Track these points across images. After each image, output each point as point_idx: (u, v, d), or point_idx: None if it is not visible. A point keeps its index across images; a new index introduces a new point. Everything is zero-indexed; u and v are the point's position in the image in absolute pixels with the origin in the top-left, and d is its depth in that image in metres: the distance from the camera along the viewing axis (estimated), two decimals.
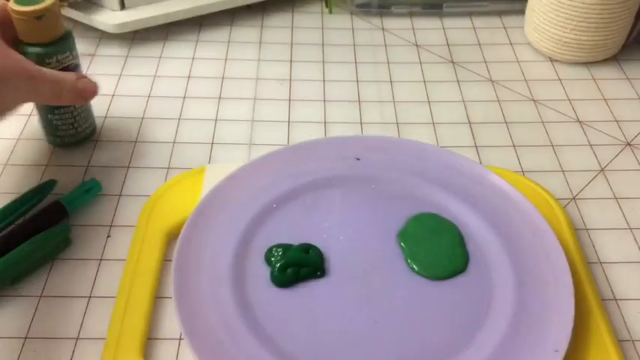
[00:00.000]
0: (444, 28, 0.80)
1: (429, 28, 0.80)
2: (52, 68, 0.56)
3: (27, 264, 0.50)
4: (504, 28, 0.80)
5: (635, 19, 0.73)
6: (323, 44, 0.77)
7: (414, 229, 0.53)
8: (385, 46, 0.77)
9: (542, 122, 0.66)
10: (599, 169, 0.62)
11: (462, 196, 0.55)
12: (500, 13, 0.82)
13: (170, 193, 0.56)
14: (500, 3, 0.82)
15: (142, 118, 0.65)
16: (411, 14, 0.82)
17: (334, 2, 0.82)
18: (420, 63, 0.74)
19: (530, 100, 0.69)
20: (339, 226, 0.54)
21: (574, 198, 0.59)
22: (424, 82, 0.71)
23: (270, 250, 0.51)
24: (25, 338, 0.47)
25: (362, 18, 0.81)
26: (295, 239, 0.52)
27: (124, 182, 0.58)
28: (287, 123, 0.65)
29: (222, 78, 0.71)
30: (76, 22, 0.74)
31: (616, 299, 0.51)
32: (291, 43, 0.77)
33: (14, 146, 0.62)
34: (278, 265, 0.49)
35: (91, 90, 0.56)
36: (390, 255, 0.52)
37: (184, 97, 0.68)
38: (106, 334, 0.46)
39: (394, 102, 0.68)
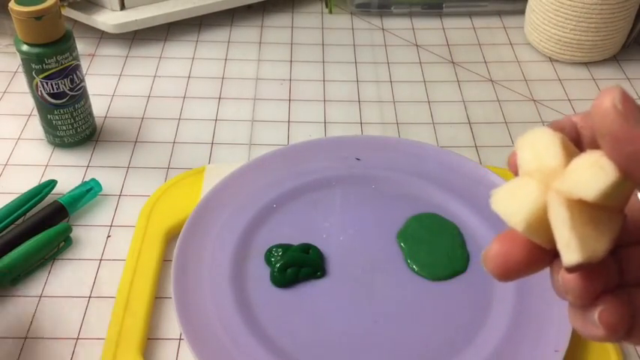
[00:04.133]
0: (444, 28, 0.80)
1: (429, 28, 0.80)
2: (52, 68, 0.56)
3: (28, 264, 0.50)
4: (504, 28, 0.80)
5: (634, 19, 0.73)
6: (323, 44, 0.77)
7: (413, 229, 0.53)
8: (385, 46, 0.77)
9: (542, 122, 0.66)
10: None
11: (462, 196, 0.55)
12: (500, 13, 0.82)
13: (170, 193, 0.56)
14: (500, 3, 0.82)
15: (142, 118, 0.65)
16: (411, 14, 0.82)
17: (334, 2, 0.82)
18: (420, 63, 0.74)
19: (530, 100, 0.69)
20: (339, 226, 0.54)
21: None
22: (424, 82, 0.71)
23: (270, 250, 0.51)
24: (25, 338, 0.47)
25: (362, 18, 0.81)
26: (295, 239, 0.52)
27: (124, 182, 0.58)
28: (287, 123, 0.65)
29: (222, 78, 0.71)
30: (76, 22, 0.74)
31: None
32: (291, 43, 0.77)
33: (14, 146, 0.62)
34: (278, 265, 0.49)
35: None
36: (390, 255, 0.52)
37: (184, 97, 0.68)
38: (106, 334, 0.46)
39: (394, 102, 0.68)
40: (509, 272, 0.26)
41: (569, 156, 0.24)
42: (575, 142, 0.26)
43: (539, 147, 0.25)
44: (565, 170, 0.24)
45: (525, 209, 0.24)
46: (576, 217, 0.23)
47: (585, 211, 0.23)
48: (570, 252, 0.23)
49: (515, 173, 0.26)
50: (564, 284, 0.25)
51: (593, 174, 0.23)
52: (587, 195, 0.22)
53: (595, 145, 0.24)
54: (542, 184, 0.24)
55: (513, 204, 0.24)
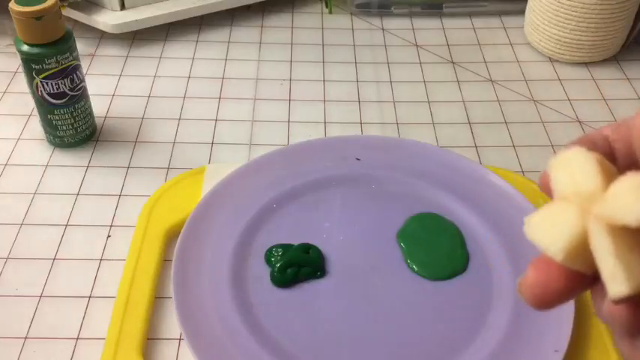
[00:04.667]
0: (444, 28, 0.80)
1: (429, 28, 0.80)
2: (52, 68, 0.56)
3: None
4: (504, 28, 0.80)
5: (634, 19, 0.73)
6: (323, 44, 0.77)
7: (413, 229, 0.53)
8: (385, 46, 0.77)
9: (542, 122, 0.66)
10: None
11: (462, 196, 0.55)
12: (500, 13, 0.82)
13: (170, 193, 0.56)
14: (500, 3, 0.82)
15: (142, 118, 0.65)
16: (411, 14, 0.82)
17: (334, 2, 0.82)
18: (420, 63, 0.74)
19: (530, 100, 0.69)
20: (339, 226, 0.54)
21: None
22: (424, 82, 0.71)
23: (270, 250, 0.51)
24: (25, 338, 0.47)
25: (362, 18, 0.81)
26: (295, 239, 0.52)
27: (124, 182, 0.58)
28: (287, 123, 0.65)
29: (222, 78, 0.71)
30: (76, 22, 0.74)
31: None
32: (291, 44, 0.77)
33: (14, 146, 0.62)
34: (278, 265, 0.49)
35: None
36: (390, 255, 0.52)
37: (184, 97, 0.68)
38: (106, 334, 0.46)
39: (394, 102, 0.68)
40: (549, 302, 0.24)
41: (608, 177, 0.23)
42: (608, 156, 0.24)
43: (574, 169, 0.23)
44: (605, 194, 0.22)
45: (563, 238, 0.23)
46: (620, 244, 0.22)
47: (629, 236, 0.22)
48: (617, 284, 0.21)
49: (547, 194, 0.25)
50: (610, 315, 0.23)
51: (636, 198, 0.21)
52: (631, 221, 0.21)
53: (630, 159, 0.23)
54: (580, 210, 0.23)
55: (550, 232, 0.23)
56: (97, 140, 0.63)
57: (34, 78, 0.56)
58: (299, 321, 0.47)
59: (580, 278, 0.24)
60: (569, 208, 0.23)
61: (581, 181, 0.23)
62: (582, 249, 0.23)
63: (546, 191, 0.25)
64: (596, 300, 0.24)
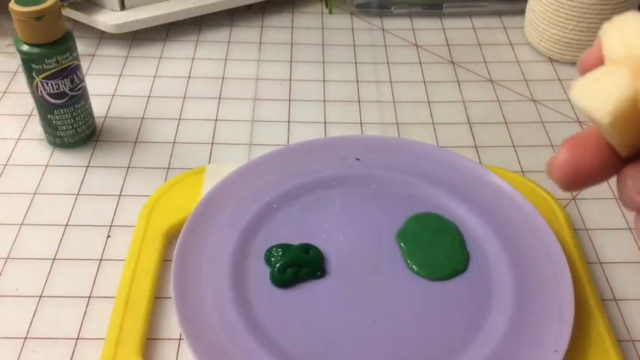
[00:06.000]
0: (443, 29, 0.80)
1: (429, 29, 0.80)
2: (52, 68, 0.56)
3: None
4: (504, 28, 0.80)
5: None
6: (323, 44, 0.77)
7: (413, 229, 0.53)
8: (385, 46, 0.77)
9: (542, 122, 0.66)
10: None
11: (462, 196, 0.55)
12: (500, 13, 0.82)
13: (170, 193, 0.56)
14: (500, 3, 0.82)
15: (142, 118, 0.65)
16: (411, 14, 0.82)
17: (334, 2, 0.82)
18: (420, 63, 0.74)
19: (530, 100, 0.69)
20: (339, 226, 0.54)
21: (574, 198, 0.59)
22: (424, 82, 0.71)
23: (270, 250, 0.51)
24: (25, 338, 0.47)
25: (362, 18, 0.81)
26: (295, 239, 0.52)
27: (124, 182, 0.58)
28: (287, 123, 0.65)
29: (222, 78, 0.71)
30: (76, 22, 0.74)
31: (616, 299, 0.51)
32: (291, 44, 0.77)
33: (14, 146, 0.62)
34: (278, 265, 0.49)
35: None
36: (390, 255, 0.52)
37: (184, 97, 0.68)
38: (106, 334, 0.46)
39: (394, 102, 0.68)
40: (578, 182, 0.24)
41: None
42: None
43: (629, 33, 0.23)
44: None
45: (613, 100, 0.21)
46: None
47: None
48: None
49: (584, 72, 0.24)
50: None
51: None
52: None
53: None
54: (633, 73, 0.22)
55: (598, 95, 0.22)
56: (97, 140, 0.63)
57: (34, 78, 0.56)
58: (299, 321, 0.47)
59: (612, 157, 0.23)
60: (621, 71, 0.22)
61: (636, 45, 0.22)
62: (631, 114, 0.22)
63: (584, 71, 0.24)
64: (625, 183, 0.24)
